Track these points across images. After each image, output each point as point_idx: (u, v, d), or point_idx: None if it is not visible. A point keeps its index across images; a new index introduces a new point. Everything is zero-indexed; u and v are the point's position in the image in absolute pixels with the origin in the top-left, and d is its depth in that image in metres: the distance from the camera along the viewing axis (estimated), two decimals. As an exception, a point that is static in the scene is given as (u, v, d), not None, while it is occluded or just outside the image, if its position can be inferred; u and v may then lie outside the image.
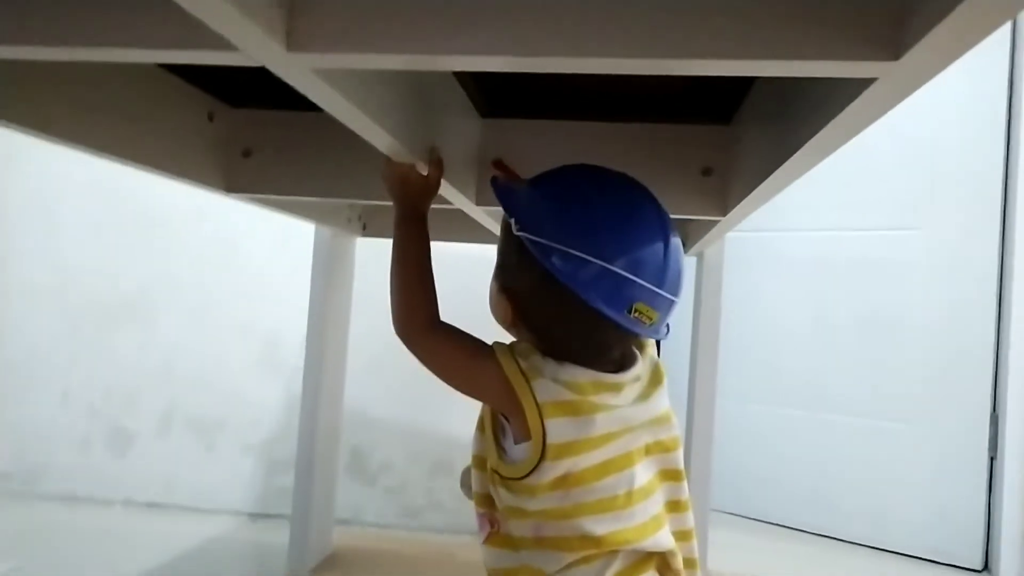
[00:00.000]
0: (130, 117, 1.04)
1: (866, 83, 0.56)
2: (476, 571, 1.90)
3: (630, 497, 0.77)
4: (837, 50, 0.52)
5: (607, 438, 0.76)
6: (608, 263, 0.73)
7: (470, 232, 1.71)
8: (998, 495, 2.16)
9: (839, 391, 2.44)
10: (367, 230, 1.96)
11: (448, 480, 2.32)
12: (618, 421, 0.77)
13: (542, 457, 0.74)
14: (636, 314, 0.74)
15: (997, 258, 2.22)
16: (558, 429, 0.74)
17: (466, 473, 0.93)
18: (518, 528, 0.80)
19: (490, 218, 1.42)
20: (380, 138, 0.79)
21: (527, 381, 0.75)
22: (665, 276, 0.75)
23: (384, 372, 2.32)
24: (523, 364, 0.77)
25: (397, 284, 0.87)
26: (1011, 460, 2.15)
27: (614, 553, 0.77)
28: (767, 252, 2.59)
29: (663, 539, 0.80)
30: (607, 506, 0.76)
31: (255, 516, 2.34)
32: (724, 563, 1.91)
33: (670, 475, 0.83)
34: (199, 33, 0.58)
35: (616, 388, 0.78)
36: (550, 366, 0.77)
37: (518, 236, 0.77)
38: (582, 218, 0.76)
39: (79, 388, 2.42)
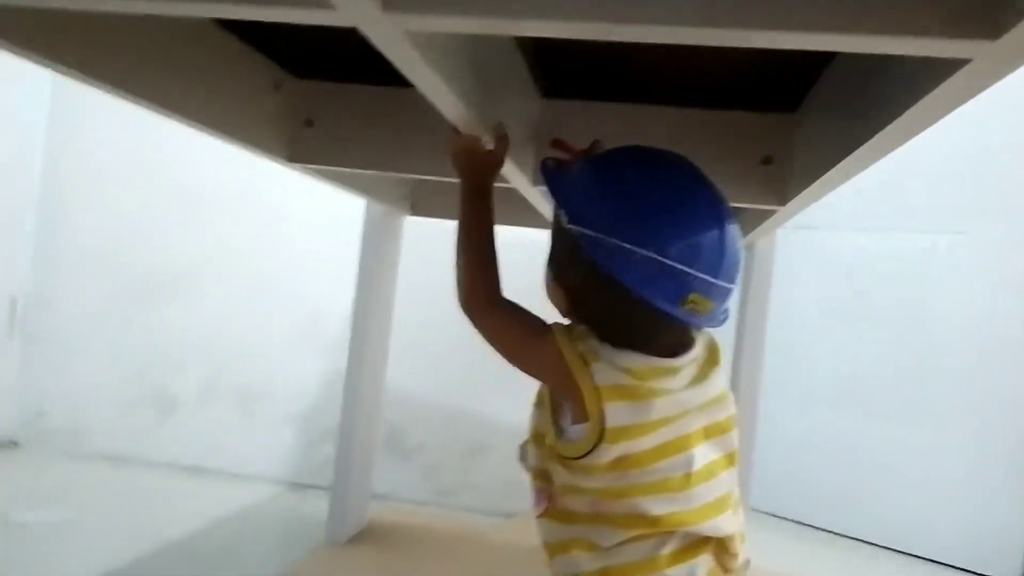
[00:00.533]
0: (197, 80, 1.06)
1: (957, 65, 0.56)
2: (508, 552, 1.92)
3: (688, 479, 0.77)
4: (932, 27, 0.52)
5: (664, 421, 0.76)
6: (661, 254, 0.72)
7: (522, 216, 1.71)
8: (1040, 507, 2.12)
9: (877, 394, 2.40)
10: (416, 209, 1.98)
11: (483, 462, 2.34)
12: (675, 405, 0.77)
13: (600, 439, 0.74)
14: (691, 305, 0.73)
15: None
16: (616, 413, 0.74)
17: (524, 447, 0.94)
18: (575, 503, 0.80)
19: (545, 201, 1.43)
20: (452, 107, 0.80)
21: (586, 364, 0.75)
22: (721, 264, 0.74)
23: (425, 352, 2.34)
24: (582, 347, 0.77)
25: (464, 258, 0.86)
26: (1055, 473, 2.10)
27: (670, 533, 0.77)
28: (810, 250, 2.56)
29: (723, 523, 0.79)
30: (663, 487, 0.76)
31: (293, 485, 2.38)
32: (756, 562, 1.89)
33: (733, 458, 0.82)
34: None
35: (673, 371, 0.78)
36: (607, 351, 0.76)
37: (567, 228, 0.77)
38: (633, 207, 0.75)
39: (128, 353, 2.48)
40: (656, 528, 0.76)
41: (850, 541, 2.40)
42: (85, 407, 2.49)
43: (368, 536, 1.94)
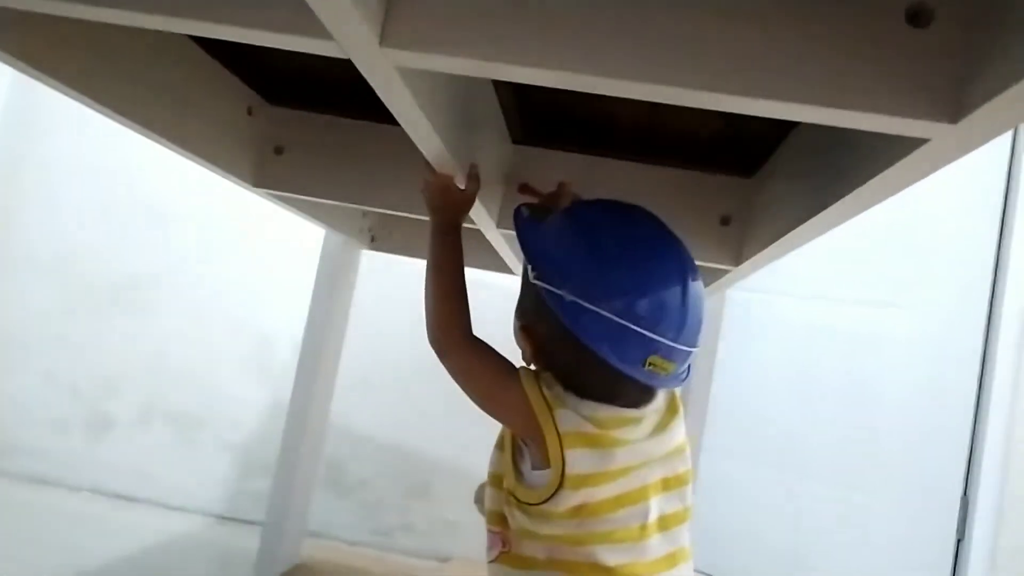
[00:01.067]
0: (176, 99, 1.06)
1: (917, 143, 0.59)
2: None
3: (644, 530, 0.77)
4: (895, 106, 0.55)
5: (624, 471, 0.77)
6: (623, 318, 0.72)
7: (486, 259, 1.73)
8: (963, 576, 2.17)
9: (815, 457, 2.45)
10: (375, 243, 1.98)
11: (424, 503, 2.30)
12: (637, 454, 0.78)
13: (560, 486, 0.74)
14: (651, 367, 0.74)
15: (981, 343, 2.26)
16: (578, 460, 0.74)
17: (481, 489, 0.93)
18: (531, 549, 0.79)
19: (507, 244, 1.45)
20: (432, 144, 0.81)
21: (550, 410, 0.76)
22: (684, 327, 0.74)
23: (370, 388, 2.32)
24: (547, 392, 0.77)
25: (434, 295, 0.87)
26: (978, 543, 2.17)
27: None
28: (757, 313, 2.63)
29: None
30: (620, 537, 0.76)
31: (224, 519, 2.30)
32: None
33: (688, 512, 0.83)
34: (288, 16, 0.61)
35: (636, 422, 0.79)
36: (571, 398, 0.77)
37: (532, 283, 0.79)
38: (599, 268, 0.76)
39: (64, 369, 2.39)
40: None
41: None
42: (12, 424, 2.38)
43: (299, 574, 1.88)
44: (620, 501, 0.76)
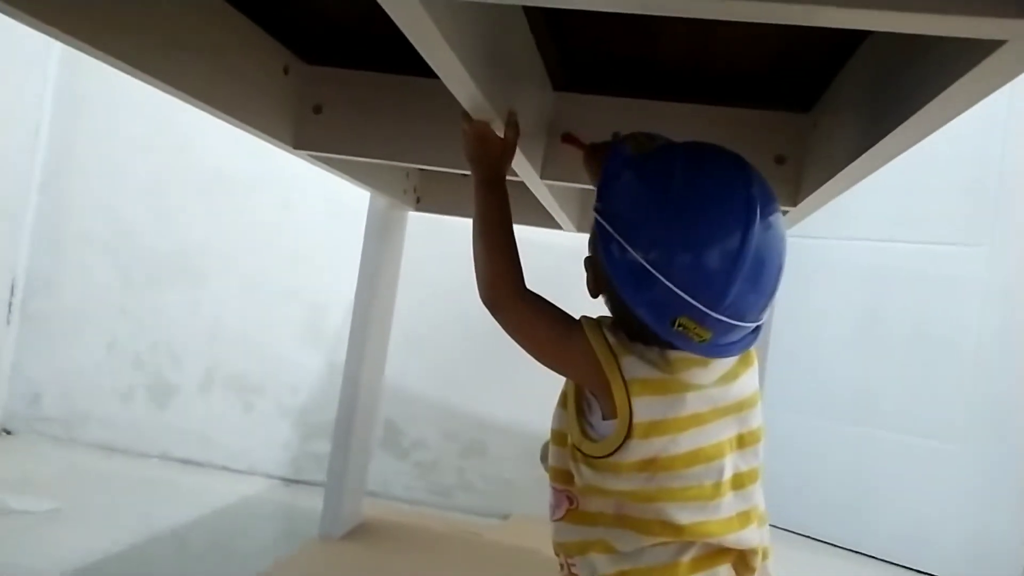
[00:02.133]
0: (207, 59, 1.05)
1: (989, 48, 0.54)
2: (501, 552, 1.90)
3: (718, 488, 0.74)
4: (968, 4, 0.50)
5: (697, 419, 0.74)
6: (656, 269, 0.68)
7: (529, 215, 1.70)
8: (1042, 525, 2.09)
9: (884, 406, 2.38)
10: (421, 204, 1.96)
11: (480, 462, 2.31)
12: (707, 401, 0.75)
13: (628, 435, 0.71)
14: (680, 328, 0.69)
15: (1060, 283, 2.15)
16: (646, 407, 0.72)
17: (545, 447, 0.92)
18: (599, 505, 0.78)
19: (552, 197, 1.41)
20: (466, 88, 0.78)
21: (615, 358, 0.73)
22: (726, 299, 0.67)
23: (424, 350, 2.33)
24: (611, 340, 0.74)
25: (483, 249, 0.83)
26: (1058, 490, 2.08)
27: (692, 541, 0.75)
28: (822, 259, 2.54)
29: (747, 536, 0.77)
30: (693, 495, 0.74)
31: (287, 481, 2.36)
32: None
33: (760, 470, 0.80)
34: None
35: (704, 364, 0.75)
36: (637, 346, 0.74)
37: (594, 212, 0.76)
38: (648, 211, 0.72)
39: (126, 340, 2.46)
40: (680, 537, 0.74)
41: (849, 553, 2.38)
42: (81, 395, 2.47)
43: (361, 533, 1.91)
44: (695, 457, 0.73)
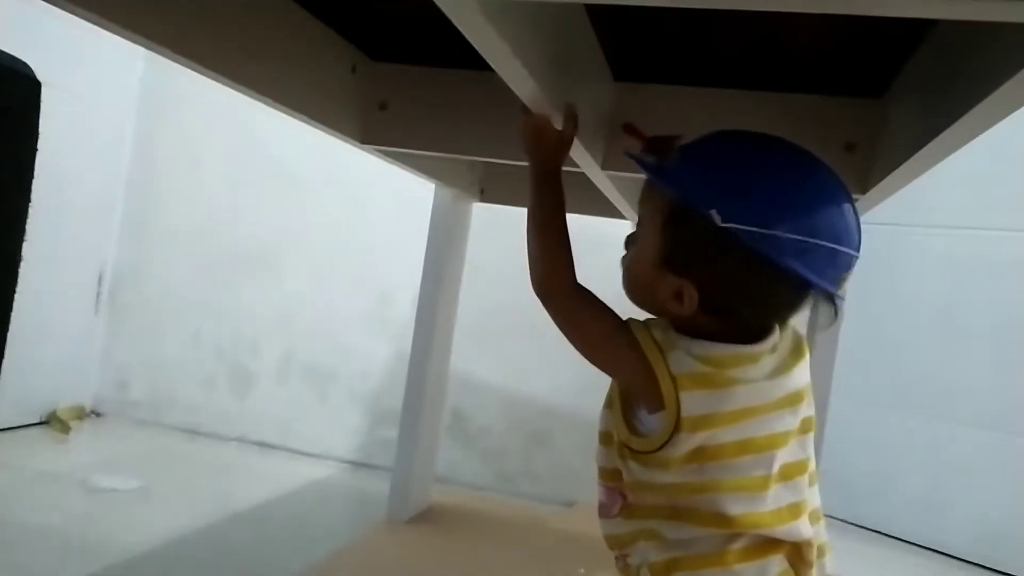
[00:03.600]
0: (279, 60, 1.09)
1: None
2: (567, 539, 1.92)
3: (767, 480, 0.74)
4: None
5: (747, 413, 0.74)
6: (835, 242, 0.71)
7: (588, 205, 1.70)
8: None
9: (963, 400, 2.29)
10: (485, 195, 1.98)
11: (545, 450, 2.34)
12: (757, 395, 0.75)
13: (676, 429, 0.72)
14: (842, 284, 0.74)
15: None
16: (693, 401, 0.72)
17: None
18: (650, 499, 0.79)
19: (614, 188, 1.41)
20: (522, 82, 0.79)
21: (662, 353, 0.74)
22: (859, 236, 0.74)
23: (490, 339, 2.36)
24: (658, 337, 0.75)
25: (538, 242, 0.84)
26: None
27: (740, 535, 0.75)
28: (901, 248, 2.45)
29: (800, 529, 0.76)
30: (744, 485, 0.74)
31: (357, 465, 2.43)
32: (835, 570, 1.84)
33: (809, 462, 0.80)
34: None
35: (754, 359, 0.75)
36: (684, 340, 0.75)
37: (724, 227, 0.71)
38: (779, 196, 0.72)
39: (209, 330, 2.58)
40: (730, 527, 0.74)
41: (927, 552, 2.31)
42: (165, 381, 2.60)
43: (429, 517, 1.96)
44: (744, 447, 0.73)
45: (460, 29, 0.66)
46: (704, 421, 0.72)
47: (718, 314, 0.76)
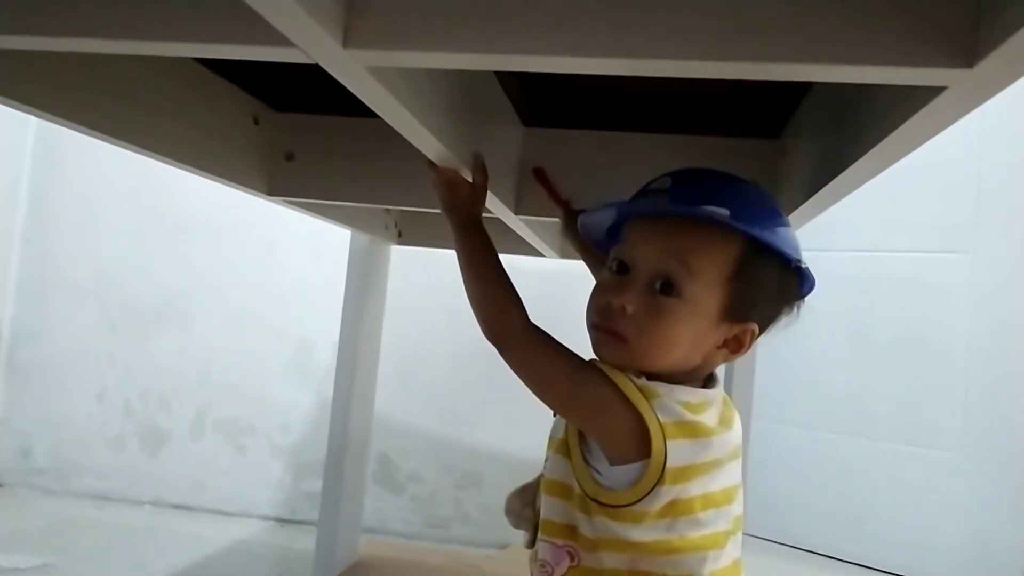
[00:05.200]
0: (175, 117, 1.05)
1: (935, 92, 0.54)
2: (501, 584, 1.88)
3: (726, 536, 0.73)
4: (907, 56, 0.50)
5: (715, 464, 0.72)
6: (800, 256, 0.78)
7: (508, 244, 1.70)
8: (1040, 528, 2.09)
9: (877, 415, 2.38)
10: (403, 238, 1.96)
11: (476, 492, 2.30)
12: (721, 446, 0.73)
13: (660, 481, 0.68)
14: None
15: (1046, 285, 2.16)
16: (679, 451, 0.69)
17: (512, 500, 0.89)
18: (611, 560, 0.73)
19: (531, 231, 1.41)
20: (426, 141, 0.78)
21: (647, 399, 0.70)
22: None
23: (414, 381, 2.32)
24: (638, 383, 0.71)
25: (478, 292, 0.81)
26: (1055, 493, 2.08)
27: None
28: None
29: None
30: (710, 543, 0.71)
31: (282, 521, 2.35)
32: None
33: (743, 518, 0.79)
34: (254, 29, 0.59)
35: (711, 405, 0.75)
36: (662, 387, 0.72)
37: (797, 265, 0.78)
38: (783, 221, 0.80)
39: (115, 388, 2.45)
40: None
41: (849, 566, 2.37)
42: (72, 445, 2.45)
43: (358, 571, 1.90)
44: (709, 500, 0.71)
45: (358, 96, 0.65)
46: (683, 473, 0.70)
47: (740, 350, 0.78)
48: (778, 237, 0.75)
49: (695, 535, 0.70)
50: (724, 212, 0.72)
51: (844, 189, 0.87)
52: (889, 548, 2.32)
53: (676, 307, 0.73)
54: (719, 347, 0.76)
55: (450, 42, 0.53)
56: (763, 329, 0.79)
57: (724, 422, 0.76)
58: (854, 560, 2.38)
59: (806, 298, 0.82)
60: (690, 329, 0.74)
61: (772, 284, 0.77)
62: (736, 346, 0.77)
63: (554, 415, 0.82)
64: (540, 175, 1.18)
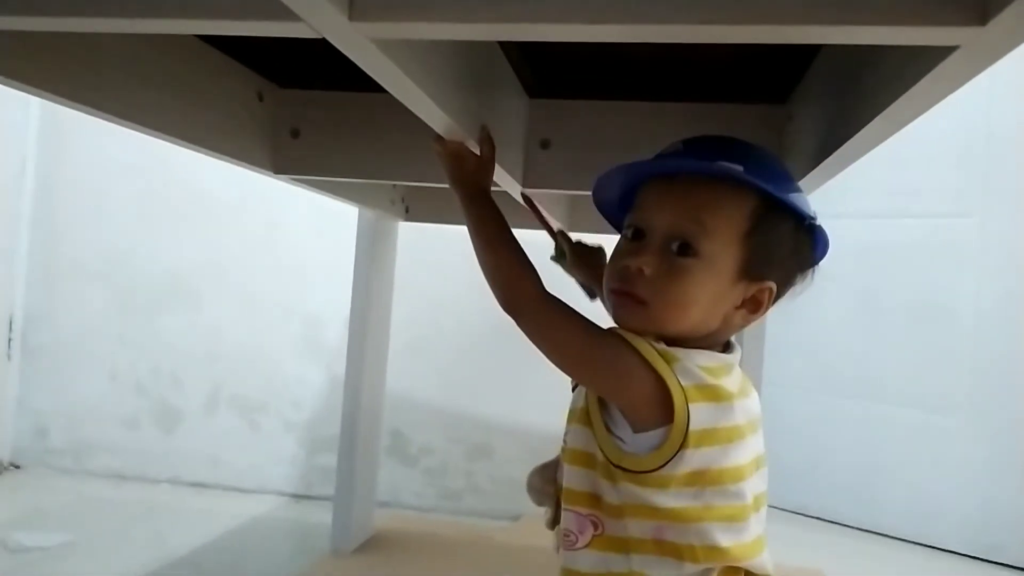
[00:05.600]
0: (180, 95, 1.05)
1: (945, 52, 0.54)
2: (514, 555, 1.91)
3: (747, 509, 0.72)
4: (918, 15, 0.50)
5: (738, 432, 0.71)
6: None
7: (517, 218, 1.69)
8: (1051, 491, 2.10)
9: (886, 381, 2.38)
10: (410, 214, 1.96)
11: (487, 464, 2.32)
12: (745, 412, 0.73)
13: (683, 444, 0.68)
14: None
15: (1056, 246, 2.15)
16: (701, 415, 0.69)
17: (533, 477, 0.89)
18: (636, 528, 0.72)
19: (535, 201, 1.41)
20: (433, 114, 0.78)
21: (668, 363, 0.69)
22: None
23: (424, 355, 2.33)
24: (659, 348, 0.70)
25: (489, 261, 0.80)
26: (1065, 455, 2.09)
27: (724, 567, 0.71)
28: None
29: (765, 562, 0.74)
30: (736, 514, 0.71)
31: (297, 496, 2.37)
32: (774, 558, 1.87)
33: (766, 495, 0.78)
34: (259, 3, 0.58)
35: (731, 369, 0.75)
36: (681, 351, 0.71)
37: (811, 222, 0.78)
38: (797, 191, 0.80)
39: (127, 368, 2.47)
40: (722, 560, 0.70)
41: (858, 532, 2.38)
42: (87, 425, 2.48)
43: (374, 545, 1.92)
44: (740, 473, 0.71)
45: (364, 69, 0.64)
46: (708, 436, 0.69)
47: (747, 320, 0.78)
48: (791, 195, 0.75)
49: (722, 505, 0.70)
50: (738, 168, 0.72)
51: (853, 154, 0.86)
52: (898, 514, 2.34)
53: (694, 267, 0.73)
54: (737, 307, 0.76)
55: (457, 11, 0.53)
56: (780, 289, 0.78)
57: (744, 390, 0.75)
58: (864, 527, 2.39)
59: (820, 263, 0.82)
60: (708, 288, 0.73)
61: (788, 241, 0.77)
62: (755, 306, 0.76)
63: (572, 388, 0.82)
64: (529, 202, 1.17)
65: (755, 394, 0.78)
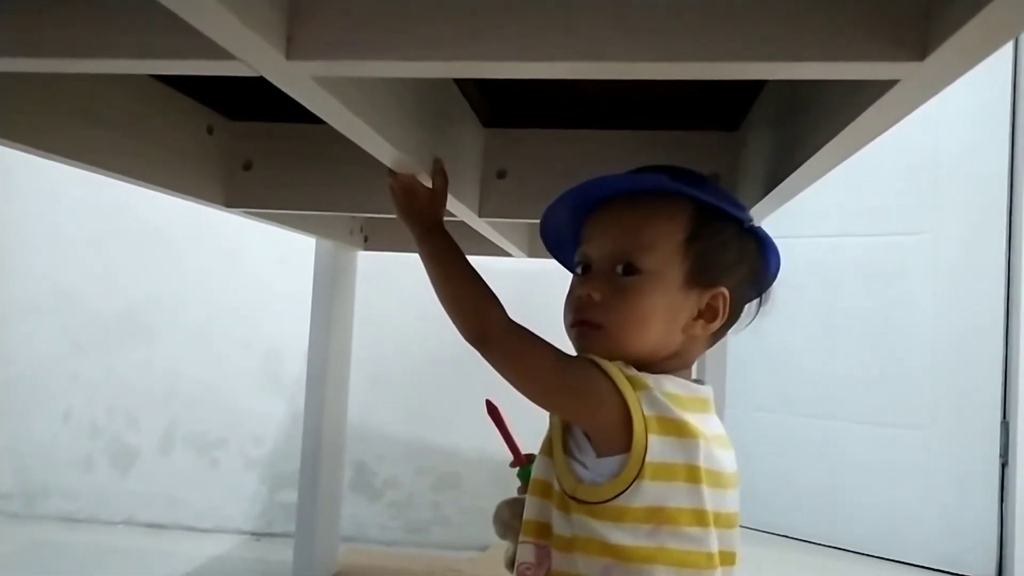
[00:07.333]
0: (127, 131, 1.03)
1: (887, 85, 0.54)
2: (484, 587, 1.87)
3: (711, 560, 0.69)
4: (859, 51, 0.50)
5: (710, 476, 0.70)
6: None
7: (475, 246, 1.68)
8: (1010, 502, 2.13)
9: (848, 398, 2.41)
10: (369, 243, 1.94)
11: (455, 494, 2.29)
12: (711, 458, 0.70)
13: (639, 475, 0.67)
14: None
15: (1004, 263, 2.20)
16: (658, 447, 0.67)
17: (502, 509, 0.87)
18: (585, 565, 0.70)
19: (493, 230, 1.40)
20: (380, 147, 0.77)
21: (635, 390, 0.69)
22: None
23: (388, 386, 2.30)
24: (628, 373, 0.70)
25: (450, 294, 0.79)
26: (1022, 466, 2.12)
27: None
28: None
29: None
30: (692, 561, 0.68)
31: (258, 535, 2.31)
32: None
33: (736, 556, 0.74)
34: (197, 43, 0.57)
35: (706, 406, 0.74)
36: (650, 377, 0.71)
37: (747, 228, 0.80)
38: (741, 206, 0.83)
39: (81, 407, 2.39)
40: None
41: (825, 548, 2.39)
42: (39, 467, 2.39)
43: (338, 582, 1.88)
44: (701, 517, 0.69)
45: (303, 104, 0.63)
46: (665, 471, 0.68)
47: (718, 333, 0.79)
48: (723, 204, 0.77)
49: (677, 548, 0.68)
50: (663, 176, 0.75)
51: (804, 181, 0.87)
52: (864, 529, 2.35)
53: (641, 283, 0.74)
54: (695, 318, 0.76)
55: (398, 50, 0.52)
56: (736, 296, 0.78)
57: (718, 439, 0.73)
58: (829, 543, 2.40)
59: (777, 276, 0.84)
60: (660, 301, 0.74)
61: (732, 246, 0.78)
62: (712, 315, 0.76)
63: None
64: (494, 413, 0.99)
65: (732, 452, 0.76)
